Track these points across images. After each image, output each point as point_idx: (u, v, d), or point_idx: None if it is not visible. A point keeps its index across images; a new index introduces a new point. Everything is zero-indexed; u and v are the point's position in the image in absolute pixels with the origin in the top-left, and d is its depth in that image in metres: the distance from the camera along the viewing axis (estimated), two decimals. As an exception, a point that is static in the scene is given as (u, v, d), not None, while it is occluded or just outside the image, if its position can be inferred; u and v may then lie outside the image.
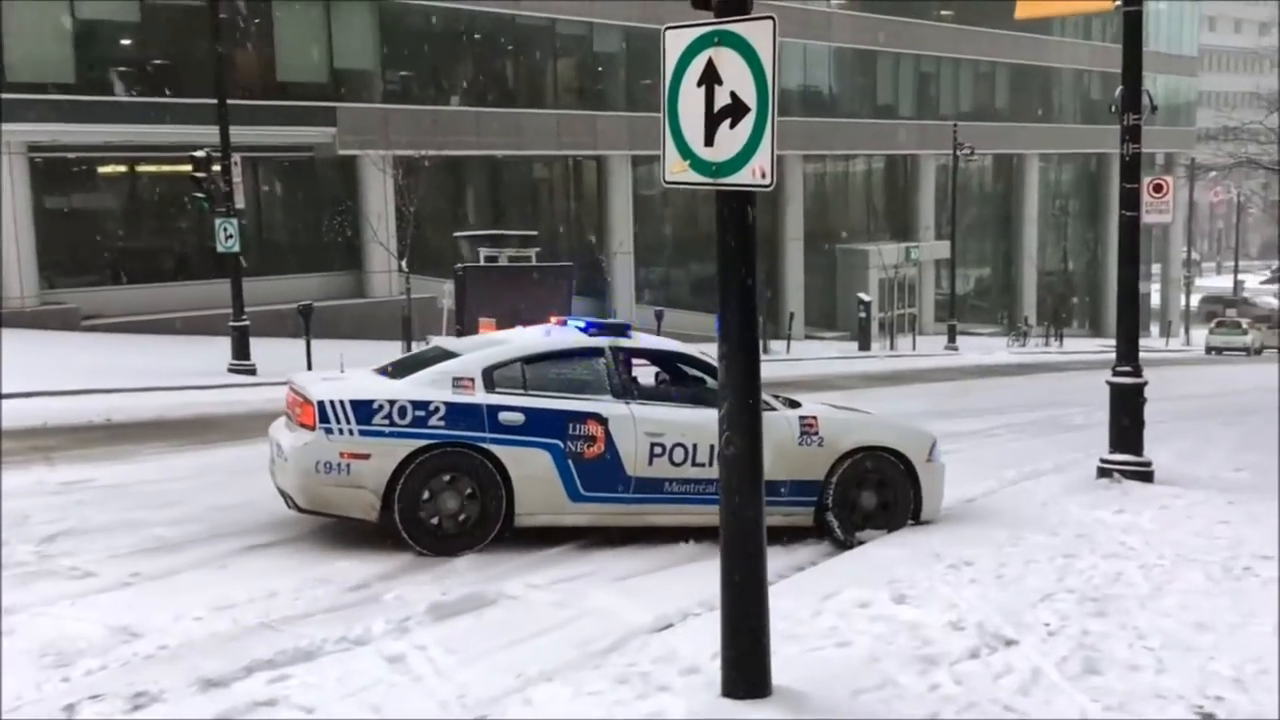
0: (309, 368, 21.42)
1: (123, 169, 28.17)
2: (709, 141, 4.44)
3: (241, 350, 20.30)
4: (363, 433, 7.69)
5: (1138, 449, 11.40)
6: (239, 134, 21.28)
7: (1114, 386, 11.45)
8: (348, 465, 7.67)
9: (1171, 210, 12.20)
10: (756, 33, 4.27)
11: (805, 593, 6.74)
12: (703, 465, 8.17)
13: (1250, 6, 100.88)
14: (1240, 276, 68.35)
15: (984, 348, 40.54)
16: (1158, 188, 12.11)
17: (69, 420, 14.15)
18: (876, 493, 8.68)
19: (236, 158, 20.53)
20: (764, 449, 4.72)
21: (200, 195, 20.49)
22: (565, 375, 8.27)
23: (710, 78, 4.38)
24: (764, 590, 4.77)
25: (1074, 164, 57.11)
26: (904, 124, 46.46)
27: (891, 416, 10.56)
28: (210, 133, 20.67)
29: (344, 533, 8.49)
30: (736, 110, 4.35)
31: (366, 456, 7.68)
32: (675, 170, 4.56)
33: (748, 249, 4.47)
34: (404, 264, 25.21)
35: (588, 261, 33.96)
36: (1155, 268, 62.53)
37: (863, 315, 37.17)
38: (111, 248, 27.88)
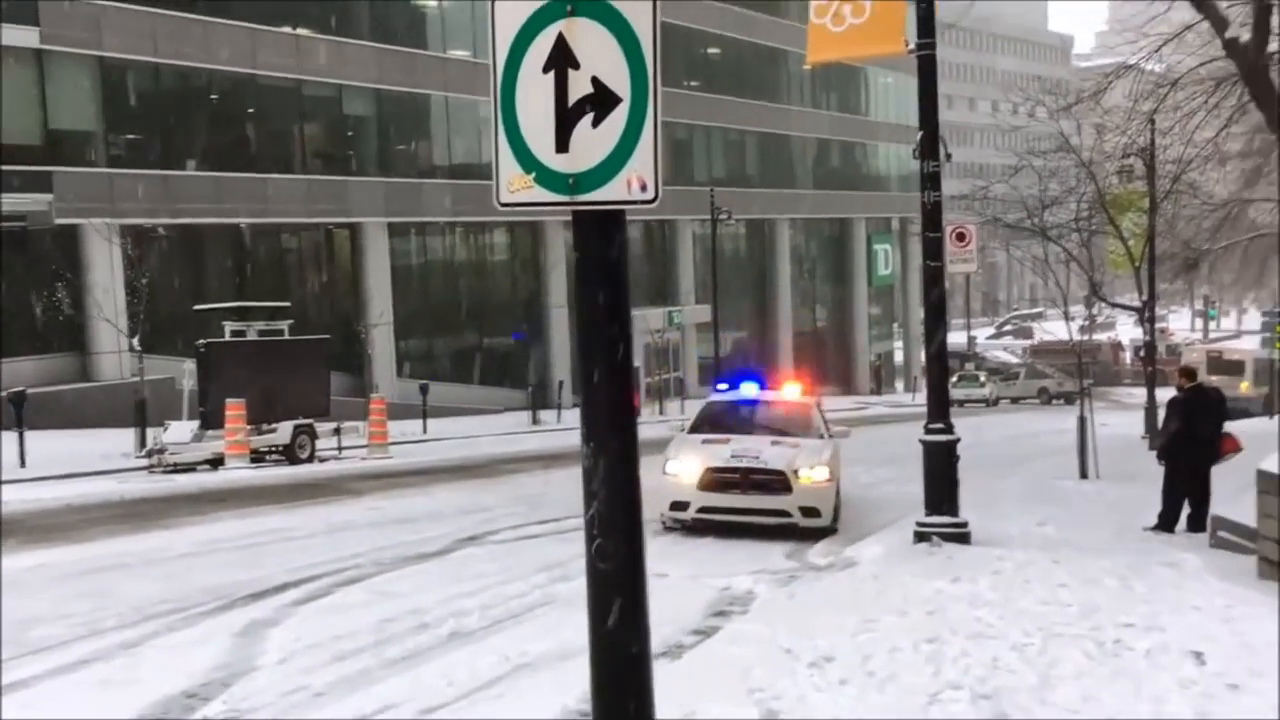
0: (22, 464, 18.70)
1: None
2: (562, 146, 3.26)
3: (-64, 447, 17.40)
4: None
5: (954, 509, 10.93)
6: (-69, 199, 18.49)
7: (927, 445, 10.94)
8: None
9: (975, 259, 11.92)
10: (627, -2, 3.15)
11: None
12: None
13: (982, 86, 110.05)
14: (972, 333, 72.49)
15: (749, 409, 40.74)
16: (960, 236, 11.83)
17: None
18: None
19: (-71, 226, 17.77)
20: None
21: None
22: None
23: (563, 60, 3.22)
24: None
25: (818, 228, 59.22)
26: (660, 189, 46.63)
27: None
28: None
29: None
30: (602, 102, 3.20)
31: None
32: (515, 187, 3.35)
33: (619, 292, 3.32)
34: (136, 343, 22.69)
35: (345, 334, 31.90)
36: (896, 326, 65.61)
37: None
38: None
